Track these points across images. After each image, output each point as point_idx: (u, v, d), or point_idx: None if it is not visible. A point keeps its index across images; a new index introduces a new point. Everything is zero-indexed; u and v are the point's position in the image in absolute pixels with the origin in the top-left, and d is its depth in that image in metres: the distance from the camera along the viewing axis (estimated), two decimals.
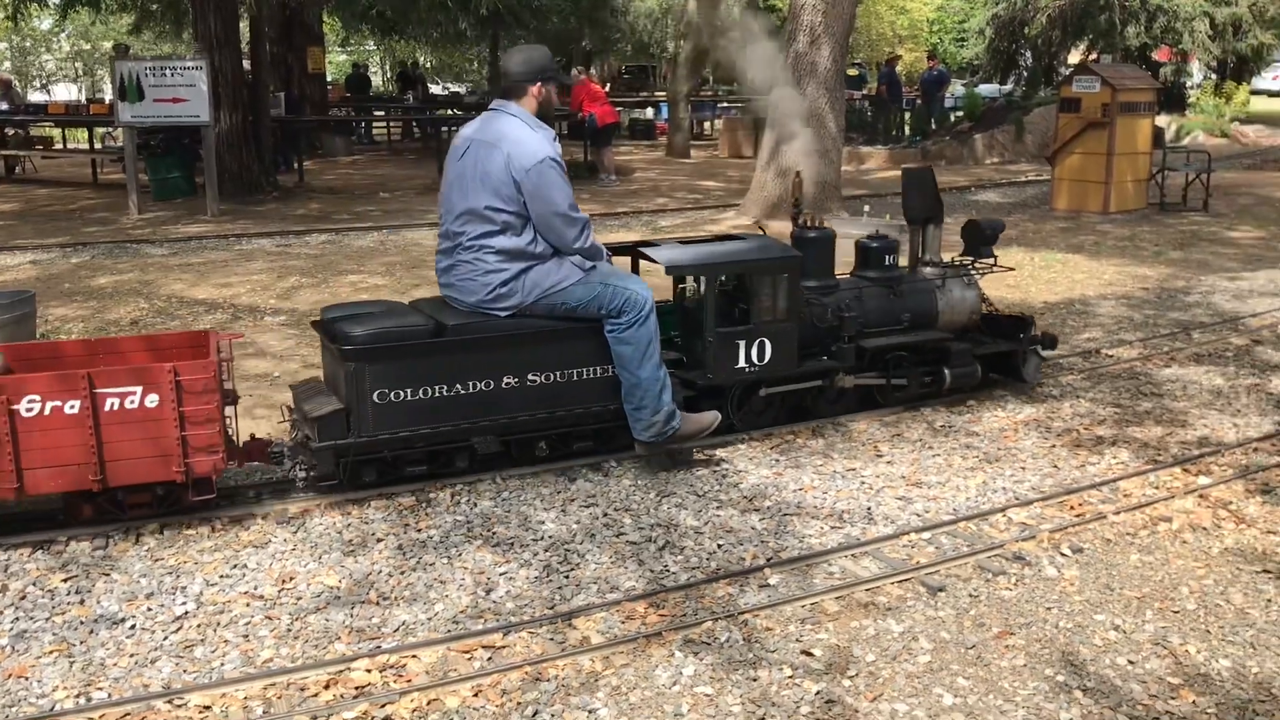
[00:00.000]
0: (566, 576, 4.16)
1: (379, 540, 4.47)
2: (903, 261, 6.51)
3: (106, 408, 4.31)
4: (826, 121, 12.45)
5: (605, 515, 4.71)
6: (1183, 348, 7.49)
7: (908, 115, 24.25)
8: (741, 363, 5.49)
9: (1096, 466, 5.34)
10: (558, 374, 5.05)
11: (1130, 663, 3.63)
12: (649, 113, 29.67)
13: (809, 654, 3.65)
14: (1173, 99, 25.17)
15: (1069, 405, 6.24)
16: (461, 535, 4.51)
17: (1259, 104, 32.94)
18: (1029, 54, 23.11)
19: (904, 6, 35.60)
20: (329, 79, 29.59)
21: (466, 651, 3.64)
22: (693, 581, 4.12)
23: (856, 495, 4.99)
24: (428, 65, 39.63)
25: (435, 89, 38.08)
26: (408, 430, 4.80)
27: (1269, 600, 4.03)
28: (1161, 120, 20.26)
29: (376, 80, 41.15)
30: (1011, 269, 8.06)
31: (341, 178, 18.50)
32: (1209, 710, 3.37)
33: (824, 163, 12.56)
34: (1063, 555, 4.37)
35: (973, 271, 6.47)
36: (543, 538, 4.49)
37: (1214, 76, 28.01)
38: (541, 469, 5.16)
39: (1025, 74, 23.43)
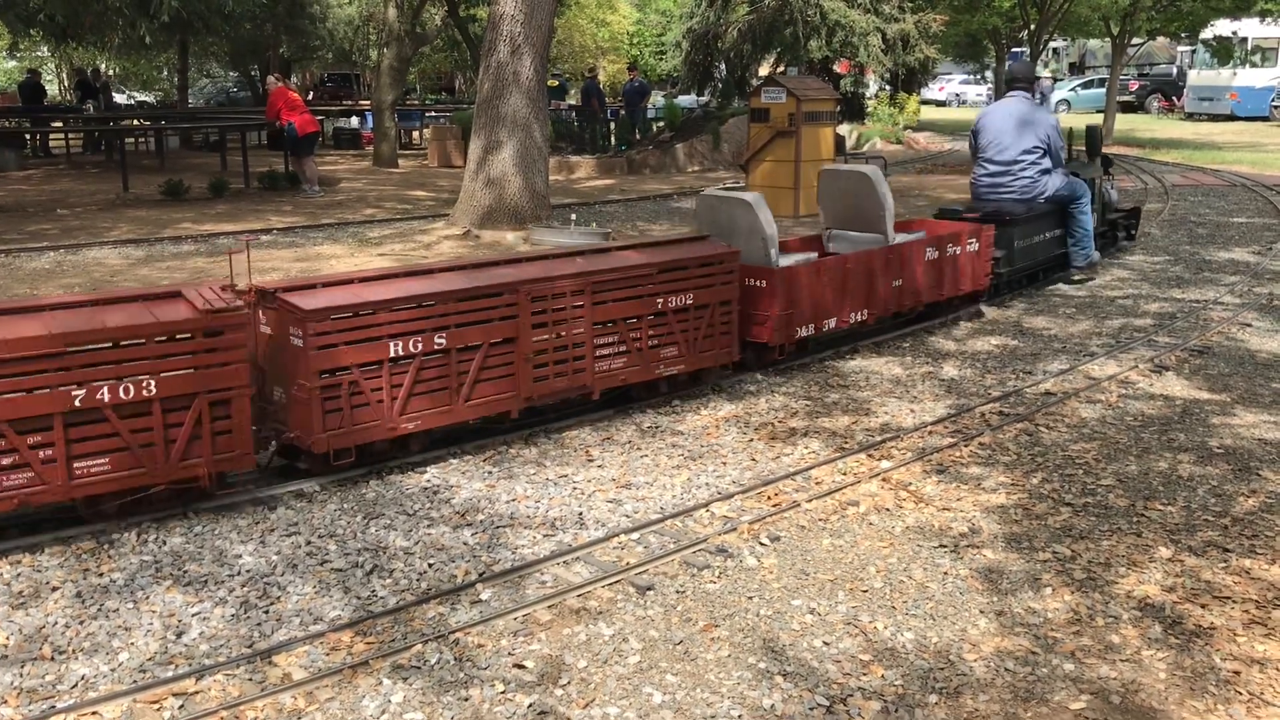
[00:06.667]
0: (266, 612, 3.95)
1: (54, 589, 4.10)
2: None
3: (954, 251, 8.20)
4: (532, 130, 12.54)
5: (309, 543, 4.52)
6: (865, 340, 8.01)
7: (613, 125, 24.83)
8: None
9: (791, 457, 5.62)
10: (1042, 235, 9.71)
11: (825, 644, 3.82)
12: (354, 121, 28.89)
13: (521, 666, 3.63)
14: (853, 108, 26.98)
15: (765, 400, 6.55)
16: (149, 576, 4.20)
17: (928, 112, 35.93)
18: (723, 66, 24.08)
19: (604, 19, 36.39)
20: None
21: (155, 701, 3.39)
22: (402, 605, 4.02)
23: (568, 501, 5.02)
24: (111, 73, 36.95)
25: (120, 98, 35.55)
26: (1022, 264, 9.42)
27: (945, 573, 4.36)
28: (843, 128, 21.69)
29: (53, 89, 38.03)
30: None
31: (13, 194, 16.93)
32: (896, 683, 3.60)
33: (533, 170, 12.65)
34: (762, 545, 4.56)
35: (1113, 180, 11.66)
36: (240, 572, 4.25)
37: (888, 88, 30.26)
38: (238, 499, 4.90)
39: (720, 85, 24.41)
